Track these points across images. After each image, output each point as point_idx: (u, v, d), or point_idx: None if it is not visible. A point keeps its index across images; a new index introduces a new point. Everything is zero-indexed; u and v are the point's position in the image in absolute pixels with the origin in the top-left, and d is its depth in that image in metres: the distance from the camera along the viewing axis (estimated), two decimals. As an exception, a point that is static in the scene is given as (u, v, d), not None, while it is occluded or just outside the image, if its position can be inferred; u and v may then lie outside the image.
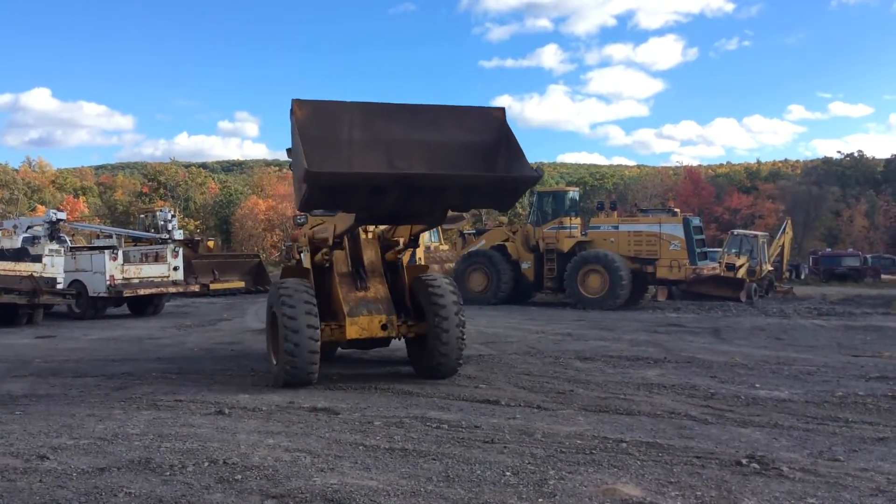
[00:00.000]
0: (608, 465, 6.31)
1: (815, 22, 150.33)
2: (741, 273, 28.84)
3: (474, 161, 9.10)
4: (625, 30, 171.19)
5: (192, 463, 6.33)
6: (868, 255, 52.54)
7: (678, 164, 75.13)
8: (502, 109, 9.44)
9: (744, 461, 6.42)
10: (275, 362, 10.29)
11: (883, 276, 46.68)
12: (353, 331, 10.18)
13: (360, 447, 6.87)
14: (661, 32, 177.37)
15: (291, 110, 8.74)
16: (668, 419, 8.10)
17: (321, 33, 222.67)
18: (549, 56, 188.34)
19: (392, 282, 11.02)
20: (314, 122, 8.70)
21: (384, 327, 10.26)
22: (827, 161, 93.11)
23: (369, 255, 11.07)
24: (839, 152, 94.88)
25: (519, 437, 7.25)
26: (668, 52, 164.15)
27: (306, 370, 9.65)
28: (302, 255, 12.71)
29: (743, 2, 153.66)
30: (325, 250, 10.89)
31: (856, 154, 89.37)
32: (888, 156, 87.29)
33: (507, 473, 6.06)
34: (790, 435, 7.42)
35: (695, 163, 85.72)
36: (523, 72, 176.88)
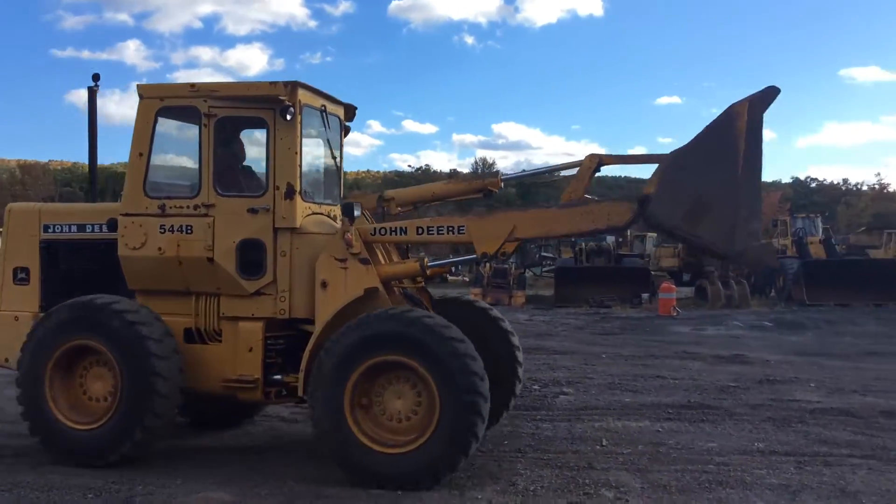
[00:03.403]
0: (199, 475, 6.30)
1: (389, 46, 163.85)
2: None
3: None
4: (212, 33, 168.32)
5: None
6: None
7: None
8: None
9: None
10: (423, 438, 5.97)
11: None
12: None
13: None
14: (248, 40, 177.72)
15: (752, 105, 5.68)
16: (259, 423, 8.33)
17: None
18: (132, 52, 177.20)
19: None
20: None
21: None
22: (400, 174, 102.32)
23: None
24: (409, 166, 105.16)
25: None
26: (256, 59, 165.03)
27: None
28: None
29: (325, 20, 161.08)
30: (424, 258, 6.83)
31: (423, 167, 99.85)
32: (448, 170, 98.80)
33: (90, 495, 5.74)
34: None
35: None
36: (102, 65, 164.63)
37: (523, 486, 6.03)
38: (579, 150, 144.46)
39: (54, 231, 7.24)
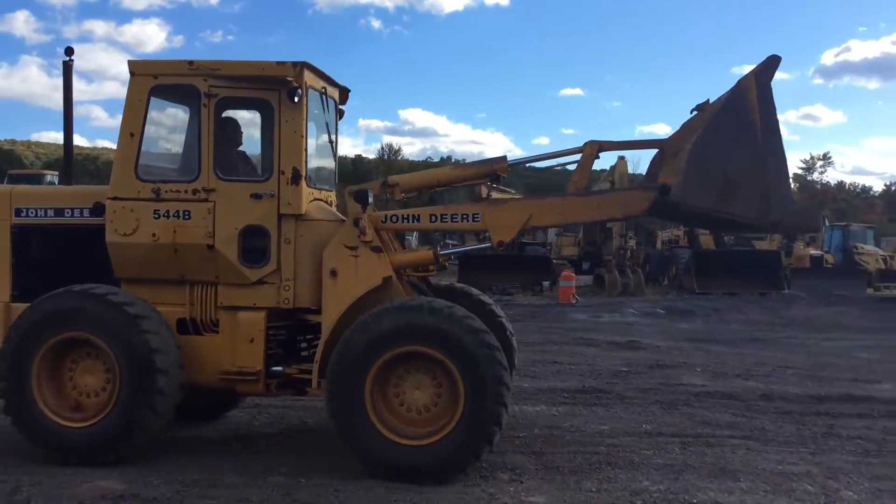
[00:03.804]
0: (86, 465, 6.08)
1: (293, 26, 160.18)
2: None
3: None
4: (107, 7, 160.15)
5: None
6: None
7: (167, 152, 74.43)
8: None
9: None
10: (448, 426, 5.88)
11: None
12: None
13: None
14: (145, 15, 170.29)
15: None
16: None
17: None
18: (21, 23, 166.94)
19: None
20: None
21: None
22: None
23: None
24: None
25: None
26: (153, 35, 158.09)
27: None
28: None
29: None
30: (437, 246, 6.83)
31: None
32: (353, 156, 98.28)
33: (-29, 488, 5.51)
34: (268, 413, 8.09)
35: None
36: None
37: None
38: (485, 139, 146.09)
39: (28, 215, 6.71)
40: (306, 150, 6.44)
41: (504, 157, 7.31)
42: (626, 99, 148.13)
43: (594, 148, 6.98)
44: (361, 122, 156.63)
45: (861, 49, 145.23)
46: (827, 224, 33.88)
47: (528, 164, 8.10)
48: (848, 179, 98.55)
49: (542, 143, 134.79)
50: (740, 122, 6.02)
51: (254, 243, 6.31)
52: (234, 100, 6.55)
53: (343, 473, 5.93)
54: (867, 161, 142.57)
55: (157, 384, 6.00)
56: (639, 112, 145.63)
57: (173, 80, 6.42)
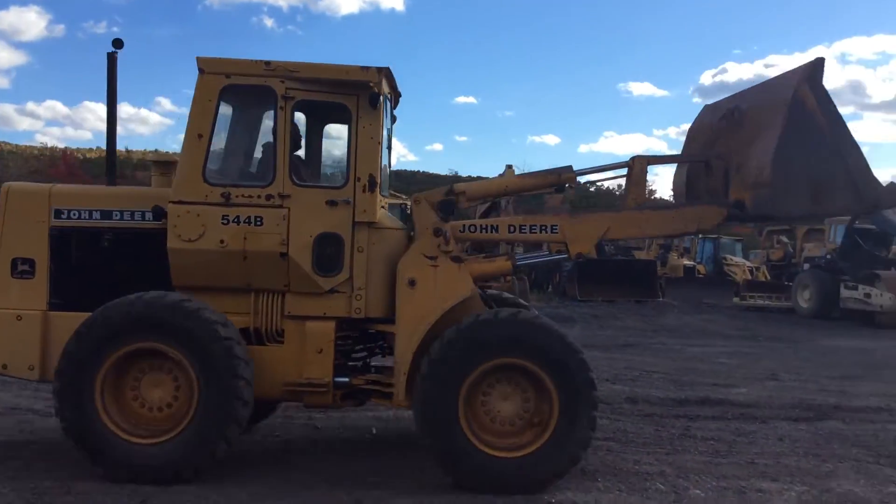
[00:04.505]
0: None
1: (182, 20, 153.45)
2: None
3: None
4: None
5: None
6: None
7: (43, 145, 70.07)
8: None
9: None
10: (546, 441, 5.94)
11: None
12: None
13: None
14: (24, 2, 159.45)
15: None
16: (9, 415, 7.83)
17: None
18: None
19: None
20: None
21: None
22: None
23: None
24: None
25: None
26: (32, 24, 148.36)
27: None
28: None
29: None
30: (514, 255, 7.06)
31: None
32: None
33: None
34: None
35: (61, 145, 79.57)
36: None
37: (298, 478, 6.08)
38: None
39: (69, 217, 6.27)
40: (382, 156, 6.34)
41: (570, 167, 7.12)
42: (518, 108, 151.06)
43: (643, 163, 7.05)
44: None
45: (736, 71, 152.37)
46: None
47: None
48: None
49: (436, 149, 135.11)
50: (808, 127, 6.30)
51: (327, 251, 6.15)
52: (309, 103, 6.36)
53: (204, 479, 5.84)
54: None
55: (240, 394, 5.76)
56: (530, 122, 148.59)
57: (247, 81, 6.14)
